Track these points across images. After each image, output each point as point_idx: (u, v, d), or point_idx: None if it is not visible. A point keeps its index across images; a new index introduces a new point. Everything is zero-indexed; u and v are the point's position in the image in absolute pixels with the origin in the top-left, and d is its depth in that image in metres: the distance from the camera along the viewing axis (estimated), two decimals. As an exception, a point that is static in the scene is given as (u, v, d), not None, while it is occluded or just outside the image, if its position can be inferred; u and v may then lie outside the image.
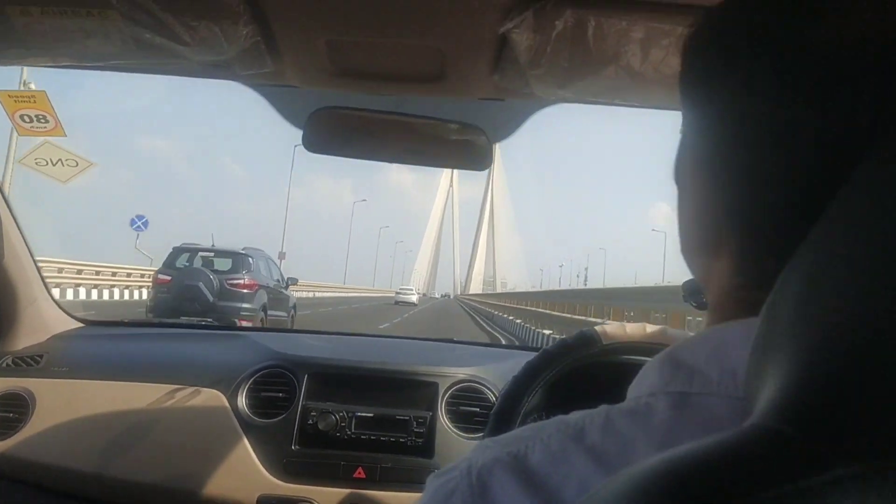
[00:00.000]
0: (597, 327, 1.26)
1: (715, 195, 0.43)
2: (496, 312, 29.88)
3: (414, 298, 43.21)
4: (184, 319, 9.64)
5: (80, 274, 19.84)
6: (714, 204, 0.43)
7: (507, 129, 1.41)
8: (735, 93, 0.40)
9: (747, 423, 0.27)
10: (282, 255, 18.40)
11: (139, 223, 22.55)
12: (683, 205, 0.47)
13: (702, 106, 0.44)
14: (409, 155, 1.36)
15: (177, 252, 13.03)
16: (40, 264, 1.84)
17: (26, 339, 1.76)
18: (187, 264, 12.64)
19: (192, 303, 11.35)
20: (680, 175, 0.47)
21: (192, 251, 13.10)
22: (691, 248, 0.47)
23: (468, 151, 1.35)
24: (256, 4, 0.91)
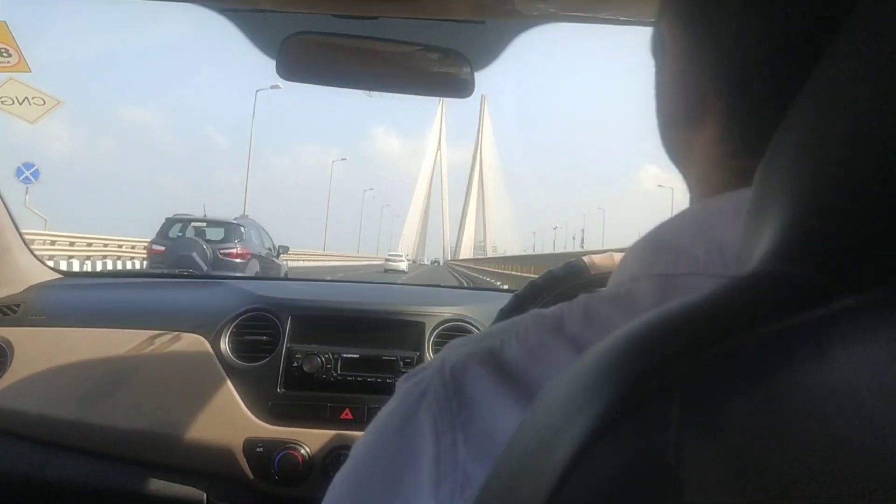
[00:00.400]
0: (584, 257, 1.23)
1: (699, 55, 0.39)
2: (483, 278, 29.28)
3: (404, 266, 41.62)
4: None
5: (73, 245, 19.60)
6: (698, 65, 0.39)
7: (489, 55, 1.36)
8: None
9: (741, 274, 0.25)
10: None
11: (27, 173, 16.67)
12: (662, 76, 0.43)
13: None
14: (388, 82, 1.30)
15: (170, 223, 13.23)
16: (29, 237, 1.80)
17: (2, 289, 1.72)
18: (180, 234, 12.91)
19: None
20: (658, 43, 0.43)
21: (185, 221, 13.33)
22: (672, 123, 0.43)
23: (450, 78, 1.29)
24: None
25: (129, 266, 21.09)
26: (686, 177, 0.44)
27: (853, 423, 0.17)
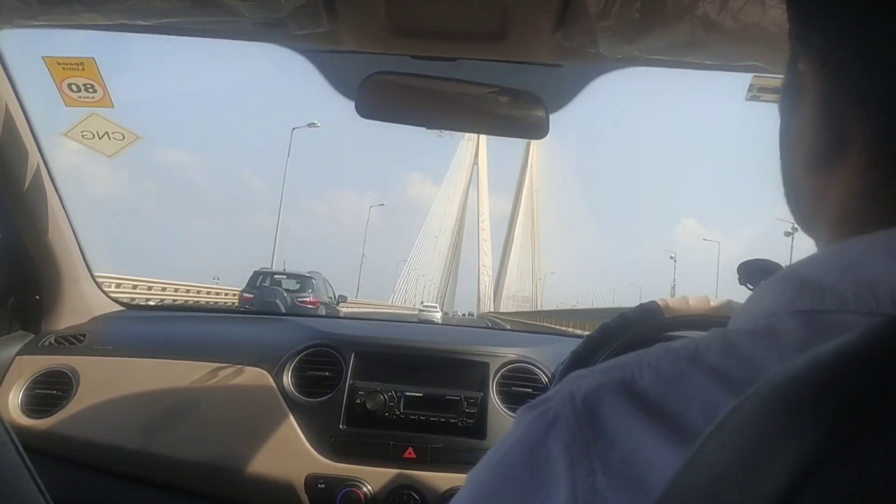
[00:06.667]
0: (658, 300, 1.21)
1: (843, 86, 0.38)
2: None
3: (438, 316, 40.38)
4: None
5: (136, 288, 20.11)
6: (842, 95, 0.38)
7: (564, 97, 1.37)
8: None
9: None
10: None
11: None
12: (796, 119, 0.42)
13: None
14: (464, 122, 1.32)
15: (256, 275, 16.37)
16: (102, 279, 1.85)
17: (68, 318, 1.75)
18: (265, 285, 15.72)
19: (270, 316, 14.07)
20: (793, 87, 0.42)
21: (268, 274, 16.55)
22: (810, 164, 0.42)
23: (524, 120, 1.30)
24: None
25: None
26: (815, 225, 0.43)
27: None
